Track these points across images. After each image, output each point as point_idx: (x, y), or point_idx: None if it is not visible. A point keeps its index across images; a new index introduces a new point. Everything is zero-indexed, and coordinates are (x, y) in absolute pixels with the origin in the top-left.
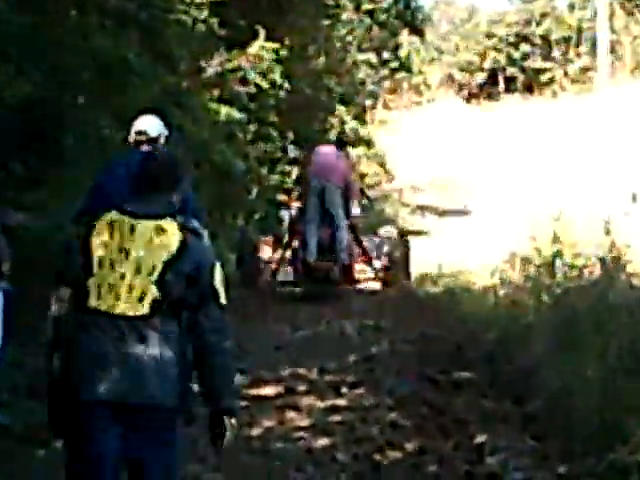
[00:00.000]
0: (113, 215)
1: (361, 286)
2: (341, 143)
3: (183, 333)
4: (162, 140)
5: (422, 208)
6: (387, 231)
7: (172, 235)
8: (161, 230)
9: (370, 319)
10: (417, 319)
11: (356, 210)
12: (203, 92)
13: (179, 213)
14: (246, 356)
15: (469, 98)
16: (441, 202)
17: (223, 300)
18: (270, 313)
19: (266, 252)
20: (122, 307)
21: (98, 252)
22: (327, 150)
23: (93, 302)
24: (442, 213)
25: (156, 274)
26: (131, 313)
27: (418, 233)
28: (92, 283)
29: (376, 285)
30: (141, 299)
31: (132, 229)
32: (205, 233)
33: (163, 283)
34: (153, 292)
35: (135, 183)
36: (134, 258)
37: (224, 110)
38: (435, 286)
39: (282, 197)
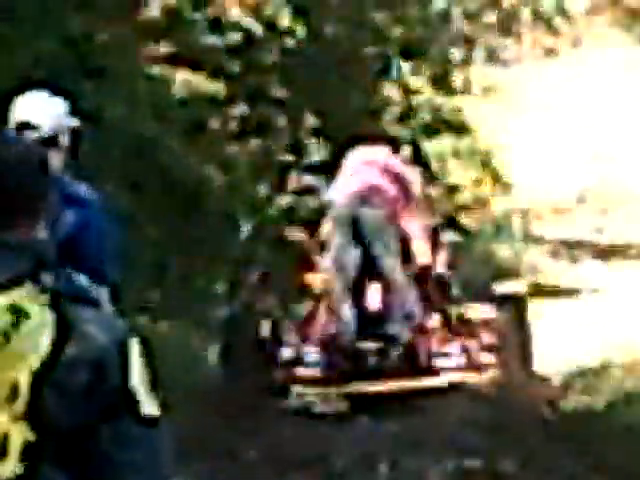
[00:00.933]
0: None
1: (445, 381)
2: (393, 141)
3: None
4: (64, 139)
5: (570, 245)
6: (508, 289)
7: (40, 320)
8: (19, 314)
9: (474, 455)
10: (563, 455)
11: (425, 252)
12: (140, 46)
13: (50, 258)
14: None
15: None
16: (604, 233)
17: (150, 409)
18: (283, 447)
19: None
20: None
21: None
22: (369, 153)
23: None
24: (607, 253)
25: (22, 399)
26: None
27: (565, 292)
28: None
29: (473, 378)
30: (2, 452)
31: None
32: (104, 293)
33: (37, 412)
34: (21, 434)
35: None
36: None
37: (181, 78)
38: (596, 392)
39: (298, 234)
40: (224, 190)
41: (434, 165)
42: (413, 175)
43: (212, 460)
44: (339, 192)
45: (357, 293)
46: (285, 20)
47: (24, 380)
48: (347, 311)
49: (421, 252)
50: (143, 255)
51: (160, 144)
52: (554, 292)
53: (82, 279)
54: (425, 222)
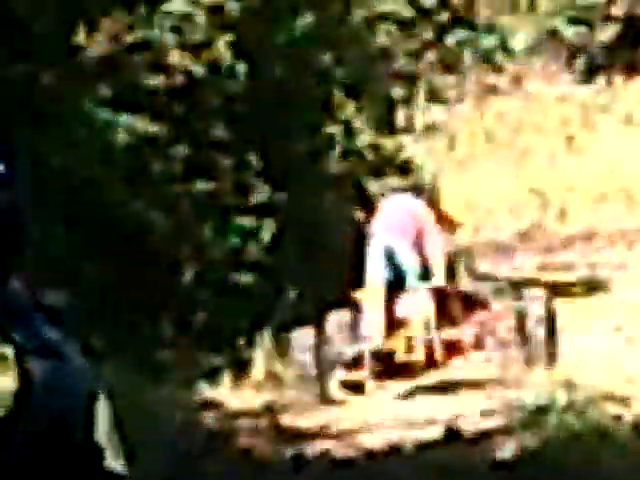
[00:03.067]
0: None
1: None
2: (417, 189)
3: None
4: None
5: (514, 283)
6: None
7: (1, 373)
8: None
9: None
10: None
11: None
12: (81, 89)
13: (17, 315)
14: None
15: (591, 73)
16: (547, 270)
17: (117, 467)
18: None
19: None
20: None
21: None
22: (397, 201)
23: None
24: (550, 290)
25: None
26: None
27: None
28: None
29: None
30: None
31: None
32: (74, 345)
33: None
34: None
35: None
36: None
37: (123, 120)
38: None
39: (245, 277)
40: (168, 233)
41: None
42: (430, 214)
43: None
44: (377, 228)
45: (388, 302)
46: (228, 62)
47: None
48: (379, 317)
49: (438, 274)
50: (85, 298)
51: (103, 187)
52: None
53: (50, 331)
54: (443, 249)
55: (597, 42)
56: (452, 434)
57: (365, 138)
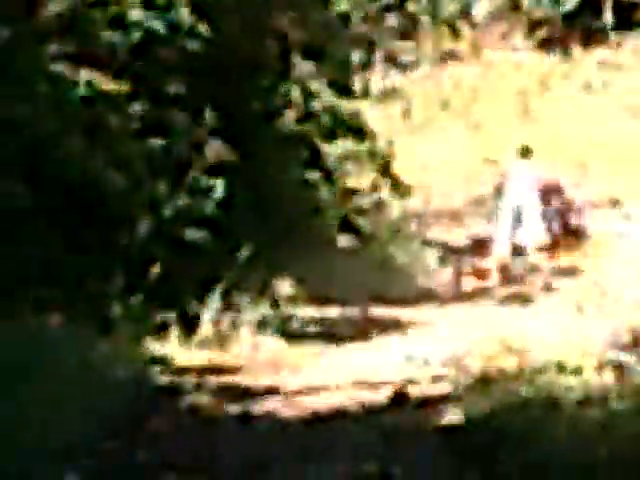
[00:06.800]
0: None
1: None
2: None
3: None
4: None
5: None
6: None
7: None
8: None
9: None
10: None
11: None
12: (40, 48)
13: None
14: None
15: (548, 43)
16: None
17: None
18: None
19: None
20: None
21: None
22: (526, 168)
23: None
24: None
25: None
26: None
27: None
28: None
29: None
30: None
31: None
32: None
33: None
34: None
35: None
36: None
37: (83, 77)
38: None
39: (198, 234)
40: (122, 189)
41: (332, 168)
42: (553, 177)
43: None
44: (510, 187)
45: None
46: (187, 19)
47: None
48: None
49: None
50: (37, 251)
51: (60, 143)
52: None
53: None
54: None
55: (557, 12)
56: (399, 398)
57: (322, 101)
